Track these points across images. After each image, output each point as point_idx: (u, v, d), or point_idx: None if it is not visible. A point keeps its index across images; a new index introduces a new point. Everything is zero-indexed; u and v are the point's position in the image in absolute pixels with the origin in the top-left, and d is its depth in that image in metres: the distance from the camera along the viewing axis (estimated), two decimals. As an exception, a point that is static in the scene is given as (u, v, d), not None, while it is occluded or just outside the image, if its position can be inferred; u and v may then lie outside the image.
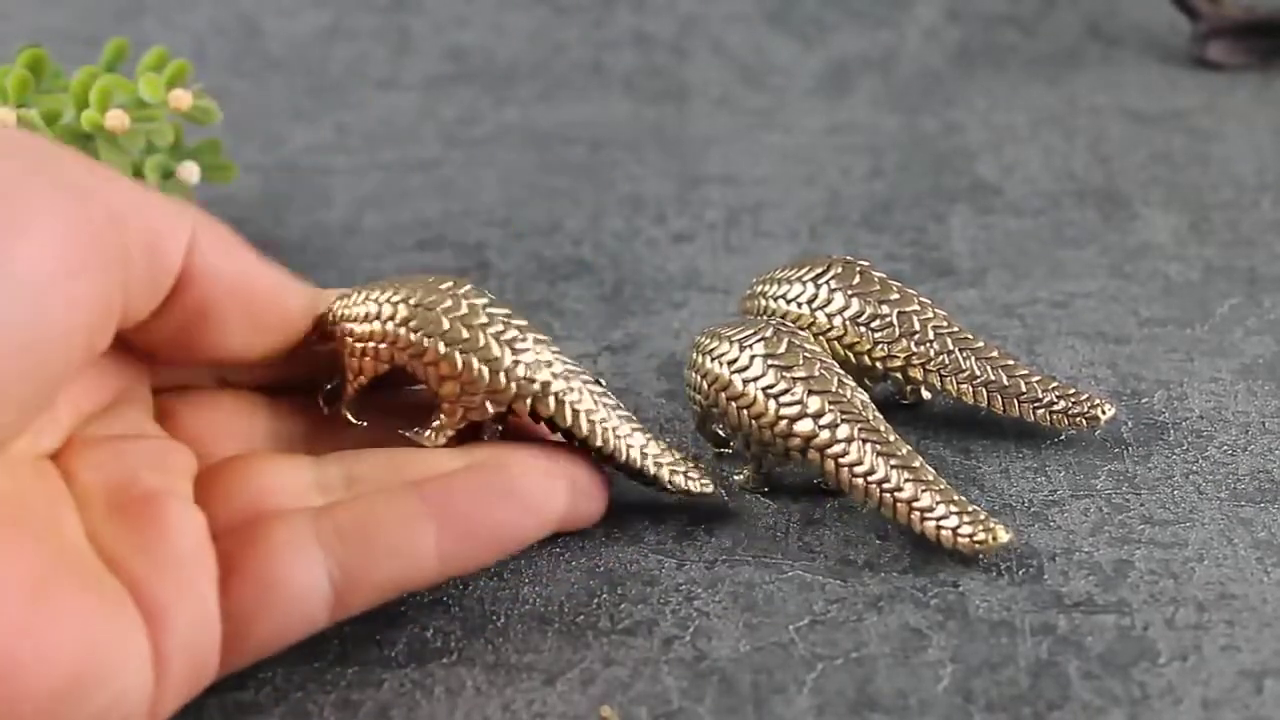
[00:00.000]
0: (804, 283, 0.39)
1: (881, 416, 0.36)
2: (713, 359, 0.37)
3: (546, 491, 0.34)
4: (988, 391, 0.39)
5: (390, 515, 0.32)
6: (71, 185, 0.29)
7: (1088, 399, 0.39)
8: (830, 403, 0.36)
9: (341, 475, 0.34)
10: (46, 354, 0.28)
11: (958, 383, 0.39)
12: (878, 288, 0.39)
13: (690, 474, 0.36)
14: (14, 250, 0.28)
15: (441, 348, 0.34)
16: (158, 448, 0.33)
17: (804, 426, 0.36)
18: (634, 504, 0.37)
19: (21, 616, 0.27)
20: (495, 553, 0.34)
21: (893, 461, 0.35)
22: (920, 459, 0.36)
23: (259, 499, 0.33)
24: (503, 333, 0.35)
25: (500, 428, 0.35)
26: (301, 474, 0.34)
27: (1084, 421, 0.38)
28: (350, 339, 0.35)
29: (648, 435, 0.36)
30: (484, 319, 0.35)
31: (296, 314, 0.34)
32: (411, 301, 0.35)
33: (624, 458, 0.35)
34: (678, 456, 0.36)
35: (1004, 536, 0.35)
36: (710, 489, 0.36)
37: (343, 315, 0.35)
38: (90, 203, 0.29)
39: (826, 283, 0.39)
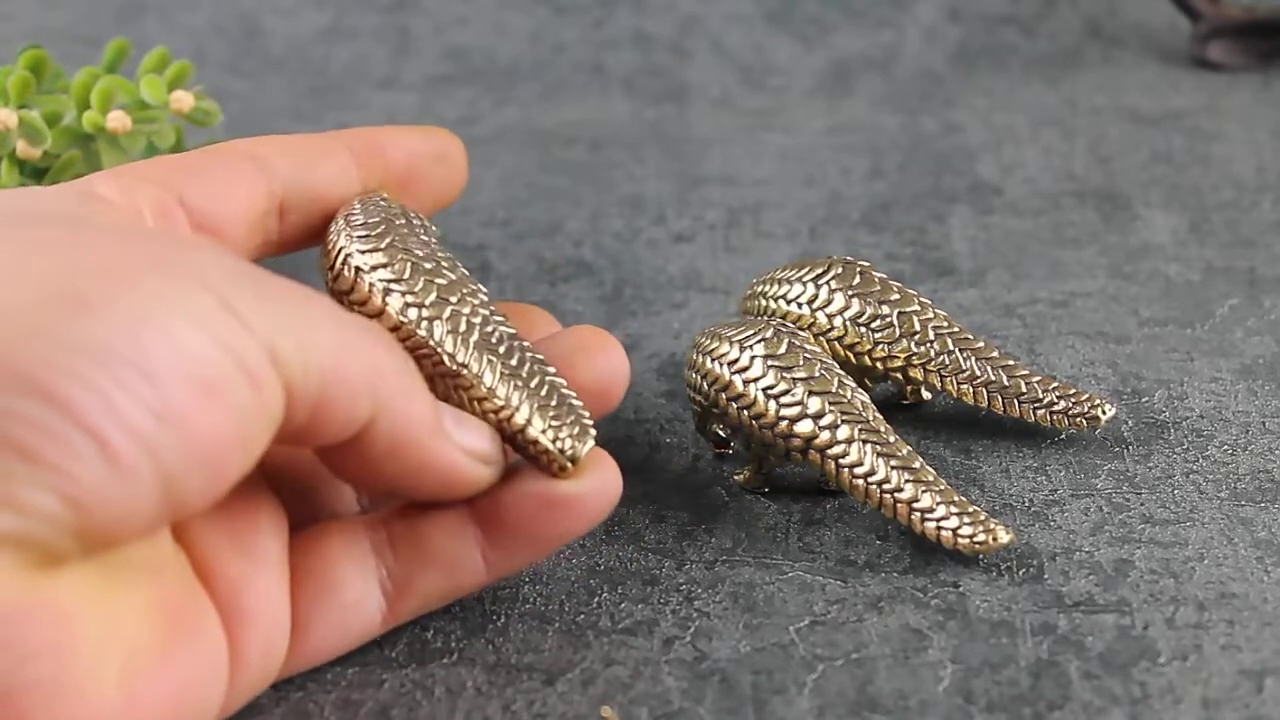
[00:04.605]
0: (804, 283, 0.39)
1: (882, 417, 0.36)
2: (713, 359, 0.37)
3: (585, 491, 0.33)
4: (988, 391, 0.39)
5: (437, 525, 0.33)
6: (230, 309, 0.27)
7: (1088, 399, 0.39)
8: (830, 403, 0.36)
9: None
10: (182, 463, 0.27)
11: (958, 383, 0.39)
12: (878, 288, 0.39)
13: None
14: (156, 355, 0.26)
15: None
16: None
17: (804, 427, 0.36)
18: (634, 504, 0.37)
19: (117, 701, 0.27)
20: (541, 553, 0.33)
21: (893, 462, 0.35)
22: (920, 459, 0.36)
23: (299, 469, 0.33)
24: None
25: None
26: None
27: (1084, 421, 0.38)
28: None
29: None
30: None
31: (467, 492, 0.32)
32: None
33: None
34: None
35: (1004, 537, 0.35)
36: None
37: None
38: (244, 335, 0.27)
39: (827, 283, 0.39)
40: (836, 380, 0.36)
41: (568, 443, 0.32)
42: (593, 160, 0.54)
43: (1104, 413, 0.38)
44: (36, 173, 0.41)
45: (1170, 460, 0.38)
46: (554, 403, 0.33)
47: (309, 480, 0.34)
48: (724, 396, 0.37)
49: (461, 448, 0.31)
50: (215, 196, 0.33)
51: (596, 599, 0.35)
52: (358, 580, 0.32)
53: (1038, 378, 0.39)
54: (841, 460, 0.35)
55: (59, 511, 0.25)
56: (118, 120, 0.41)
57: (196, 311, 0.27)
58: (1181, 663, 0.33)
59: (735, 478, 0.38)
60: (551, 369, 0.33)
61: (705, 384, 0.37)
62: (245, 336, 0.27)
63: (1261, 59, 0.58)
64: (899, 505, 0.35)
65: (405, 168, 0.36)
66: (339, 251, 0.34)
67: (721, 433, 0.38)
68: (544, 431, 0.32)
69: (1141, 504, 0.37)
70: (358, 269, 0.33)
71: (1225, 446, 0.39)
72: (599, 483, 0.33)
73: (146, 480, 0.26)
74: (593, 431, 0.33)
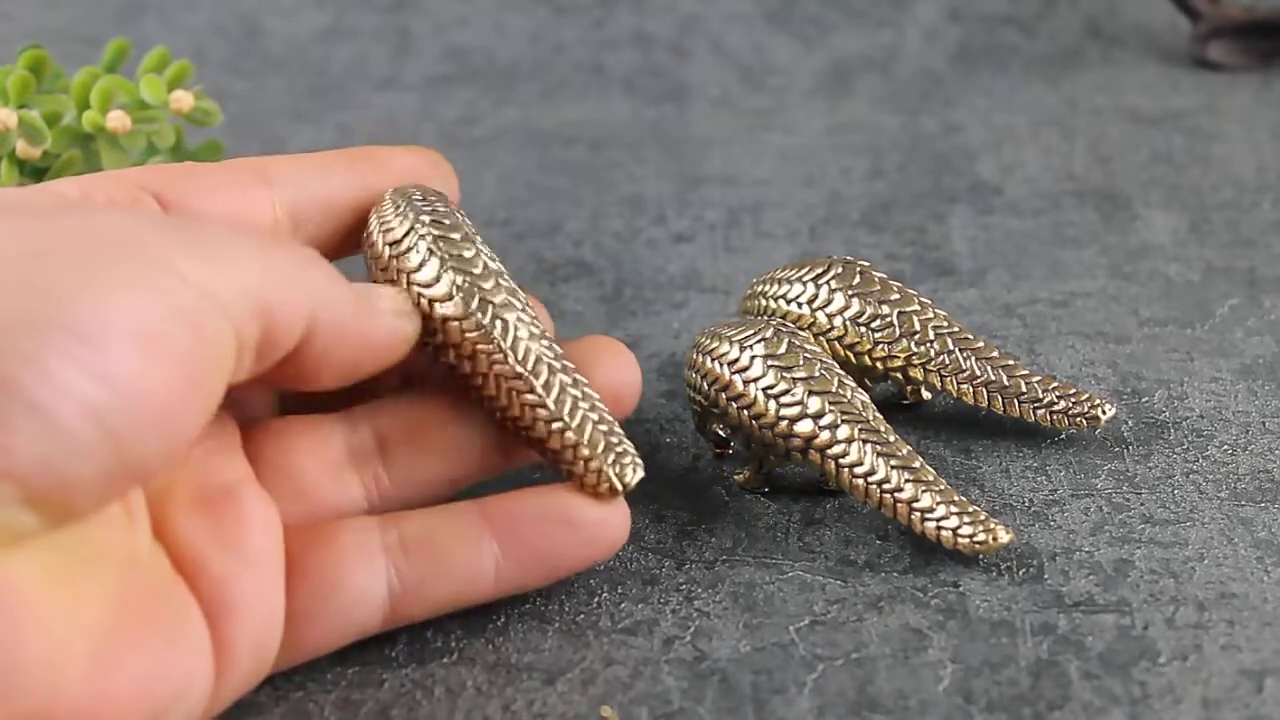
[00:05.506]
0: (804, 283, 0.39)
1: (881, 417, 0.36)
2: (713, 359, 0.37)
3: (606, 520, 0.33)
4: (988, 391, 0.39)
5: (454, 532, 0.33)
6: (165, 266, 0.28)
7: (1088, 399, 0.39)
8: (830, 403, 0.36)
9: (371, 434, 0.34)
10: (127, 424, 0.27)
11: (958, 383, 0.39)
12: (878, 288, 0.39)
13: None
14: (93, 319, 0.26)
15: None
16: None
17: (804, 427, 0.36)
18: (634, 504, 0.37)
19: (85, 681, 0.27)
20: (551, 577, 0.34)
21: (893, 462, 0.35)
22: (920, 459, 0.36)
23: (299, 472, 0.33)
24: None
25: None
26: (333, 438, 0.34)
27: (1084, 421, 0.38)
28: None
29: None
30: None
31: (401, 353, 0.33)
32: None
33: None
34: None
35: (1004, 537, 0.35)
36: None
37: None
38: (180, 286, 0.28)
39: (827, 283, 0.39)
40: (836, 380, 0.36)
41: (617, 468, 0.33)
42: (593, 160, 0.54)
43: (1104, 413, 0.38)
44: (36, 172, 0.41)
45: (1170, 460, 0.38)
46: (605, 429, 0.33)
47: (312, 477, 0.34)
48: (724, 396, 0.37)
49: (386, 311, 0.32)
50: (204, 196, 0.33)
51: (596, 599, 0.35)
52: (362, 577, 0.32)
53: (1038, 378, 0.39)
54: (841, 460, 0.35)
55: (2, 488, 0.26)
56: (117, 120, 0.41)
57: (128, 270, 0.27)
58: (1181, 663, 0.33)
59: (735, 478, 0.38)
60: (596, 395, 0.34)
61: (705, 384, 0.37)
62: (179, 284, 0.28)
63: (1261, 59, 0.58)
64: (899, 505, 0.35)
65: (412, 178, 0.36)
66: (398, 274, 0.34)
67: (721, 433, 0.38)
68: (602, 451, 0.33)
69: (1141, 504, 0.37)
70: (429, 301, 0.33)
71: (1225, 446, 0.39)
72: (615, 514, 0.33)
73: (94, 444, 0.26)
74: (640, 463, 0.33)
